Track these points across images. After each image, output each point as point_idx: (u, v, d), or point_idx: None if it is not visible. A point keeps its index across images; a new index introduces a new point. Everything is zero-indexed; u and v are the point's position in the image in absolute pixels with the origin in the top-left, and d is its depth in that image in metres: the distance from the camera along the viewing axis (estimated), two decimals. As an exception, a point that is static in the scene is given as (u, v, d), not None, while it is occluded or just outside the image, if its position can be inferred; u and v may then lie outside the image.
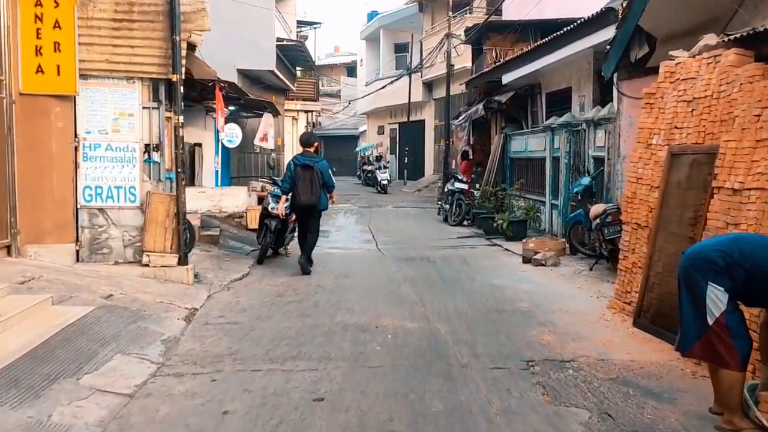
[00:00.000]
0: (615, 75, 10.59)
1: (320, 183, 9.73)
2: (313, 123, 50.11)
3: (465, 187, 16.78)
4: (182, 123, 8.22)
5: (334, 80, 49.34)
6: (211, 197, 13.59)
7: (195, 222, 11.92)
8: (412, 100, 33.11)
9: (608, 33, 11.35)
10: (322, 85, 54.17)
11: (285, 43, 22.20)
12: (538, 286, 8.90)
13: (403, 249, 12.33)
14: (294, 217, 10.98)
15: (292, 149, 28.88)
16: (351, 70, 51.90)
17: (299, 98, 28.63)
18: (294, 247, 11.68)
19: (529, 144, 15.18)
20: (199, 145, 18.09)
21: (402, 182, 33.01)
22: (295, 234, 11.53)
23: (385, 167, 30.62)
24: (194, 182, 17.59)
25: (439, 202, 17.94)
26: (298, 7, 29.27)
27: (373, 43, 40.06)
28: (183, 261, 8.28)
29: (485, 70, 18.45)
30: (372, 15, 40.06)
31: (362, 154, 41.54)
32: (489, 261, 11.02)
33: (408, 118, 33.75)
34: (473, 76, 19.38)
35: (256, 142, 18.99)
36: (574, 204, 11.29)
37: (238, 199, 13.66)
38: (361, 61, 42.93)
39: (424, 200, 25.51)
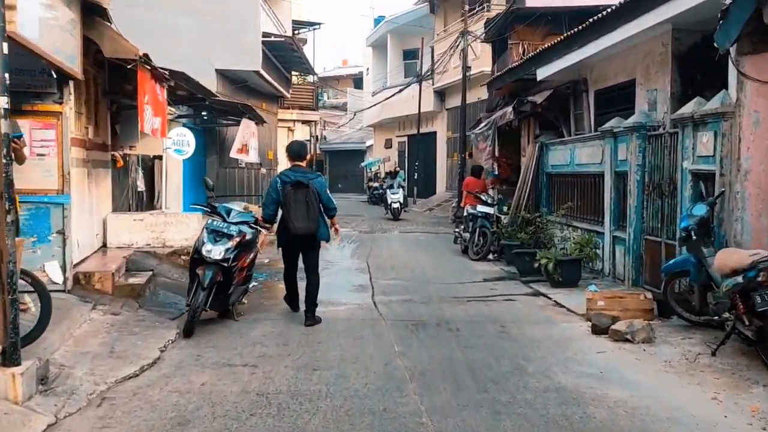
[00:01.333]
0: (732, 49, 6.86)
1: (318, 205, 7.19)
2: (317, 136, 46.54)
3: (491, 211, 12.98)
4: (5, 111, 4.43)
5: (341, 91, 45.78)
6: (150, 227, 9.85)
7: (115, 265, 8.20)
8: (422, 110, 29.44)
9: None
10: (328, 98, 50.79)
11: (272, 39, 18.57)
12: (640, 392, 5.07)
13: (410, 303, 8.51)
14: (247, 260, 7.28)
15: (287, 165, 25.22)
16: (358, 81, 48.37)
17: (295, 107, 24.99)
18: (256, 308, 7.98)
19: (576, 155, 11.38)
20: (159, 157, 14.46)
21: (411, 200, 29.13)
22: (250, 285, 7.83)
23: (400, 186, 23.86)
24: (154, 204, 13.95)
25: (457, 230, 14.16)
26: (294, 6, 25.69)
27: (380, 49, 36.45)
28: (11, 358, 4.51)
29: (513, 65, 14.70)
30: (379, 20, 36.49)
31: (368, 170, 37.84)
32: (540, 329, 7.17)
33: (418, 130, 30.04)
34: (497, 74, 15.64)
35: (233, 154, 15.32)
36: (675, 242, 7.49)
37: (189, 230, 9.89)
38: (368, 69, 39.31)
39: (436, 222, 21.70)
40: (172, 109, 10.55)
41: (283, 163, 25.35)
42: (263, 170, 22.17)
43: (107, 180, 9.95)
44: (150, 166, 13.75)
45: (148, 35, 15.63)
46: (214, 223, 6.88)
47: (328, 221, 7.48)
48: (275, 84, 20.81)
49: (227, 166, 18.71)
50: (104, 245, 9.68)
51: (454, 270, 11.55)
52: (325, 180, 8.13)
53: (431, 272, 11.20)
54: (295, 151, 7.62)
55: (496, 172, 14.72)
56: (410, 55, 33.43)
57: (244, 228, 7.02)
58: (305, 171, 7.50)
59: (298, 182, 7.16)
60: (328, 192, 7.64)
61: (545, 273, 9.50)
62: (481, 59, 24.09)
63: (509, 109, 13.50)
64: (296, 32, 25.72)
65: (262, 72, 18.48)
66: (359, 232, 18.28)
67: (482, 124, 15.84)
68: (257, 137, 16.96)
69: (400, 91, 30.51)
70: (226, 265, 6.68)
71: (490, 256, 12.58)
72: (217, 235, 6.79)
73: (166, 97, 9.78)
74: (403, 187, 23.95)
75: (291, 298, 7.77)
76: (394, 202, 22.65)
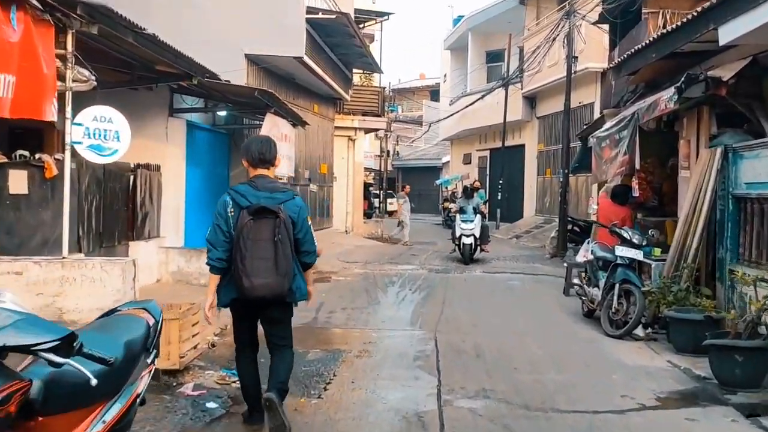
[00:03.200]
0: None
1: (291, 248, 4.06)
2: (388, 151, 41.94)
3: (639, 256, 7.82)
4: None
5: (416, 102, 41.17)
6: (37, 286, 5.28)
7: None
8: (508, 119, 24.24)
9: None
10: (402, 111, 46.34)
11: (321, 17, 14.00)
12: None
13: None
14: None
15: (347, 182, 20.68)
16: (435, 94, 43.62)
17: (357, 112, 20.37)
18: None
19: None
20: (155, 168, 10.19)
21: (494, 225, 23.90)
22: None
23: (478, 212, 14.75)
24: (137, 233, 9.64)
25: (577, 282, 9.01)
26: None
27: (459, 52, 31.47)
28: None
29: (651, 39, 9.44)
30: (458, 20, 31.57)
31: (444, 188, 32.85)
32: None
33: (503, 143, 24.85)
34: (635, 49, 10.37)
35: (252, 163, 10.71)
36: None
37: (105, 291, 5.31)
38: (445, 76, 34.38)
39: (528, 256, 16.46)
40: (84, 73, 5.87)
41: (342, 181, 20.80)
42: (313, 187, 17.61)
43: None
44: (130, 178, 9.37)
45: (164, 12, 11.51)
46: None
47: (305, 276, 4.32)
48: (328, 80, 16.24)
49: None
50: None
51: (587, 363, 6.42)
52: (307, 205, 4.62)
53: (549, 371, 6.08)
54: (256, 151, 4.32)
55: (636, 194, 9.47)
56: (494, 57, 28.32)
57: None
58: (273, 186, 4.25)
59: (261, 208, 4.03)
60: (310, 224, 4.35)
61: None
62: (587, 53, 18.85)
63: (667, 93, 8.27)
64: (361, 25, 21.17)
65: (308, 60, 13.92)
66: (428, 270, 13.32)
67: (609, 124, 10.60)
68: (294, 143, 12.37)
69: (482, 97, 25.49)
70: None
71: (639, 332, 7.41)
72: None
73: (70, 50, 5.19)
74: (483, 213, 15.15)
75: (249, 406, 4.40)
76: (466, 235, 14.24)
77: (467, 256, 14.29)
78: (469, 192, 15.70)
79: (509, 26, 25.48)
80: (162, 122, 10.34)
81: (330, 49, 16.36)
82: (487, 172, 28.98)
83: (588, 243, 10.59)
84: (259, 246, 3.96)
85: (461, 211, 14.87)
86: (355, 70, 20.68)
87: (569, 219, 16.38)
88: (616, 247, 7.84)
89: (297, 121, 12.34)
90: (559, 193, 22.50)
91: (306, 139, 17.02)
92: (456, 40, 30.93)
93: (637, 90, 11.78)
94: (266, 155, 4.26)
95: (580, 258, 10.62)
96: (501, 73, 27.05)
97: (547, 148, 23.51)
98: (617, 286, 7.63)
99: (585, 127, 16.00)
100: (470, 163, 31.51)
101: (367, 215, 33.22)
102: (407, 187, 22.44)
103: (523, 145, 25.42)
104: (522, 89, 24.11)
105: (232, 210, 4.05)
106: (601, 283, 8.03)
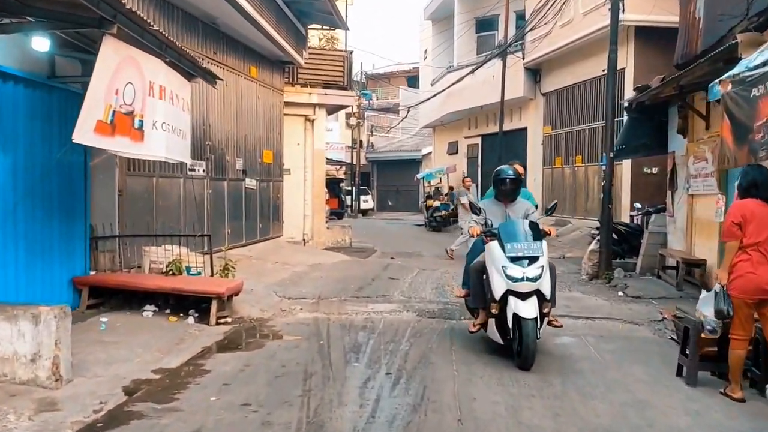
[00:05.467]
0: None
1: None
2: (361, 141, 36.71)
3: None
4: None
5: (392, 87, 36.02)
6: None
7: None
8: (506, 98, 19.09)
9: None
10: (377, 98, 41.14)
11: None
12: None
13: None
14: None
15: (305, 176, 15.45)
16: (413, 80, 38.50)
17: (316, 84, 15.08)
18: None
19: None
20: None
21: (490, 228, 18.76)
22: None
23: (536, 231, 6.02)
24: None
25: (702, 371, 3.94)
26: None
27: (443, 23, 26.27)
28: None
29: None
30: (441, -15, 26.37)
31: (426, 183, 27.73)
32: None
33: (500, 127, 19.70)
34: None
35: (78, 135, 5.34)
36: None
37: None
38: (425, 53, 29.14)
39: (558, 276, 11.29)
40: None
41: (297, 175, 15.53)
42: (251, 182, 12.32)
43: None
44: None
45: None
46: None
47: None
48: (267, 28, 10.98)
49: (154, 172, 8.91)
50: None
51: None
52: None
53: None
54: None
55: None
56: (486, 25, 23.21)
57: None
58: None
59: None
60: None
61: None
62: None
63: None
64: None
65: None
66: (417, 314, 8.09)
67: (762, 57, 5.52)
68: (188, 105, 7.07)
69: (473, 71, 20.39)
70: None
71: None
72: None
73: None
74: (547, 233, 6.18)
75: None
76: (521, 296, 5.68)
77: (531, 351, 5.58)
78: (508, 185, 6.38)
79: (505, -15, 20.41)
80: None
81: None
82: (479, 163, 23.88)
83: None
84: None
85: (493, 232, 6.03)
86: (312, 28, 15.41)
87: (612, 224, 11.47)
88: None
89: (193, 70, 7.05)
90: (575, 187, 17.59)
91: (237, 113, 11.76)
92: (438, 7, 25.68)
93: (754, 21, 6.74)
94: None
95: (706, 308, 5.64)
96: (494, 43, 22.03)
97: (557, 131, 18.50)
98: None
99: (636, 92, 11.00)
100: (457, 152, 26.38)
101: (338, 215, 28.18)
102: (467, 179, 15.36)
103: (524, 129, 20.35)
104: (524, 59, 19.06)
105: None
106: None
